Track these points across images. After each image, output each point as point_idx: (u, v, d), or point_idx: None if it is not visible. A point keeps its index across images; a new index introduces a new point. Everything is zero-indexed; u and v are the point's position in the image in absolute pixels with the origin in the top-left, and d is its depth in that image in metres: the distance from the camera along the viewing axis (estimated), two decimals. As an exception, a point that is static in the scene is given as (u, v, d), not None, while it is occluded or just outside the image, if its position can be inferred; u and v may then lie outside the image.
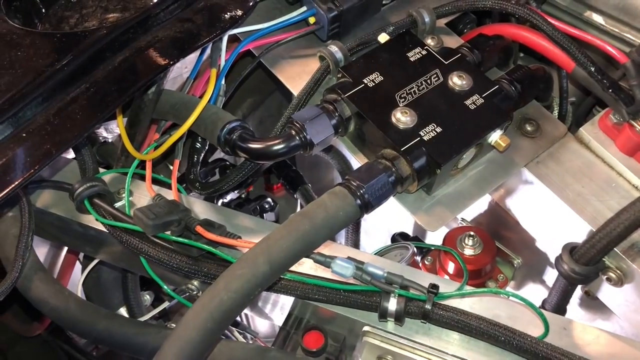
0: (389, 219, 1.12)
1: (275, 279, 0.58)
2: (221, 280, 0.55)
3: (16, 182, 0.55)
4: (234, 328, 1.07)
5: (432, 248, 0.86)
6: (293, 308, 0.71)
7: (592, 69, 0.70)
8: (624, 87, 0.71)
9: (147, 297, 1.06)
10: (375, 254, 0.83)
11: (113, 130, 1.00)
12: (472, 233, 0.82)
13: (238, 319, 1.22)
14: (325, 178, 1.22)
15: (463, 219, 0.91)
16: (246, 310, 1.10)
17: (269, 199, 1.07)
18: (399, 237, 0.98)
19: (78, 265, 1.03)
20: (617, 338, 0.63)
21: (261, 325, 1.27)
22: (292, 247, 0.57)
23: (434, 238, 0.97)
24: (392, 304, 0.61)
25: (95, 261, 0.90)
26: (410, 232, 1.03)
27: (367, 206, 0.61)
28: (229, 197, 1.02)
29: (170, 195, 0.73)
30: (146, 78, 0.61)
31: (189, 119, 0.68)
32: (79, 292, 0.91)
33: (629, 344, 0.62)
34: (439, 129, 0.65)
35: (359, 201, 0.60)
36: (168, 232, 0.66)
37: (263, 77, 0.95)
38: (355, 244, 1.06)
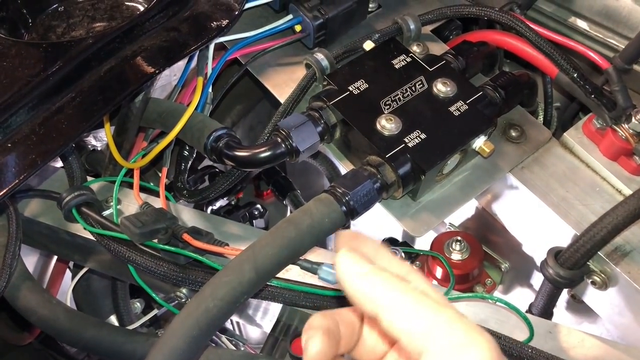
0: (377, 224, 1.13)
1: (262, 286, 0.58)
2: (207, 287, 0.55)
3: (2, 192, 0.55)
4: (222, 335, 1.07)
5: (420, 253, 0.87)
6: (281, 315, 0.72)
7: (575, 75, 0.70)
8: (606, 92, 0.72)
9: (138, 305, 1.06)
10: (363, 260, 0.84)
11: (101, 138, 1.01)
12: (459, 238, 0.82)
13: (229, 326, 1.22)
14: (315, 184, 1.23)
15: (451, 224, 0.92)
16: (236, 318, 1.10)
17: (259, 206, 1.07)
18: (388, 243, 0.99)
19: (68, 274, 1.03)
20: (601, 341, 0.64)
21: (252, 332, 1.27)
22: (278, 254, 0.57)
23: (424, 243, 0.97)
24: (379, 309, 0.61)
25: (85, 269, 0.90)
26: (399, 238, 1.03)
27: (353, 213, 0.61)
28: (218, 204, 1.03)
29: (158, 203, 0.74)
30: (132, 87, 0.61)
31: (175, 127, 0.68)
32: (69, 301, 0.91)
33: (613, 346, 0.63)
34: (423, 136, 0.65)
35: (344, 208, 0.60)
36: (155, 240, 0.67)
37: (251, 85, 0.95)
38: (345, 250, 1.06)
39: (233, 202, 1.05)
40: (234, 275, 0.56)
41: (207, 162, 1.07)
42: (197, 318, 0.54)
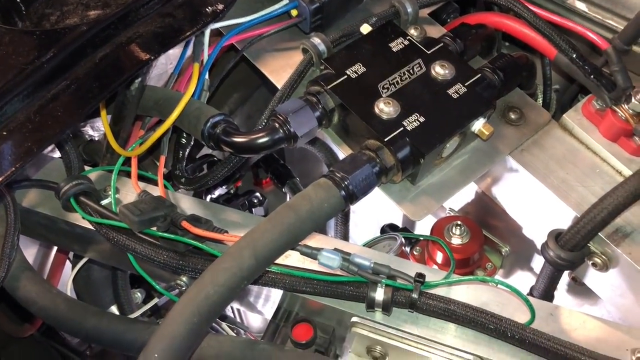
0: (378, 210, 1.13)
1: (261, 272, 0.58)
2: (207, 274, 0.55)
3: (-1, 181, 0.55)
4: (223, 322, 1.07)
5: (421, 238, 0.87)
6: (282, 301, 0.71)
7: (574, 56, 0.70)
8: (605, 73, 0.71)
9: (139, 295, 1.06)
10: (363, 245, 0.84)
11: (99, 128, 1.00)
12: (459, 222, 0.82)
13: (230, 313, 1.22)
14: (314, 171, 1.23)
15: (451, 209, 0.92)
16: (237, 305, 1.10)
17: (258, 194, 1.07)
18: (388, 229, 0.98)
19: (68, 265, 1.03)
20: (603, 322, 0.64)
21: (253, 320, 1.27)
22: (277, 240, 0.57)
23: (424, 229, 0.97)
24: (379, 294, 0.61)
25: (84, 259, 0.90)
26: (399, 224, 1.03)
27: (352, 197, 0.61)
28: (217, 193, 1.02)
29: (157, 191, 0.73)
30: (127, 73, 0.61)
31: (172, 114, 0.68)
32: (69, 291, 0.91)
33: (615, 327, 0.63)
34: (422, 119, 0.65)
35: (343, 192, 0.60)
36: (154, 228, 0.66)
37: (248, 72, 0.94)
38: (345, 236, 1.06)
39: (232, 191, 1.05)
40: (234, 262, 0.55)
41: (205, 150, 1.07)
42: (198, 304, 0.53)
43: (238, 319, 1.24)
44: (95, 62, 0.60)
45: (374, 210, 1.14)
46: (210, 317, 0.54)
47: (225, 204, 1.07)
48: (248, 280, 0.56)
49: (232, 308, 1.23)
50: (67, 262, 1.03)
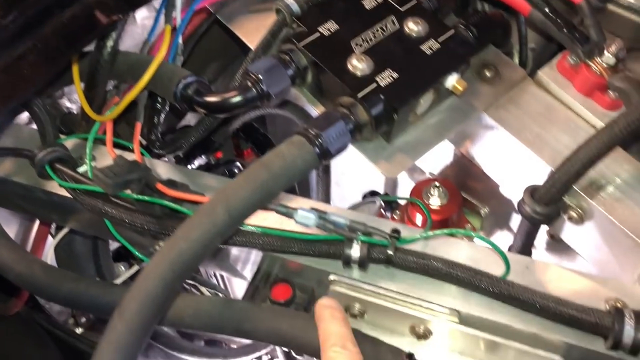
0: (362, 182, 1.13)
1: (235, 228, 0.58)
2: (180, 231, 0.55)
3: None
4: (203, 287, 1.07)
5: (399, 201, 0.87)
6: (261, 263, 0.71)
7: (547, 10, 0.70)
8: (579, 28, 0.71)
9: (122, 269, 1.06)
10: (343, 210, 0.84)
11: (76, 100, 0.99)
12: (437, 184, 0.82)
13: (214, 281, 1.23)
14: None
15: (431, 173, 0.92)
16: (222, 271, 1.10)
17: (238, 163, 1.06)
18: (369, 195, 0.99)
19: (51, 241, 1.03)
20: (578, 274, 0.64)
21: (238, 289, 1.27)
22: (250, 196, 0.57)
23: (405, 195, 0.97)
24: (355, 251, 0.61)
25: (65, 230, 0.90)
26: (381, 191, 1.03)
27: (326, 154, 0.61)
28: (196, 163, 1.02)
29: (133, 158, 0.73)
30: (95, 32, 0.60)
31: (144, 77, 0.67)
32: (51, 263, 0.91)
33: (590, 279, 0.63)
34: (395, 75, 0.65)
35: (317, 149, 0.60)
36: (129, 191, 0.66)
37: (227, 41, 0.94)
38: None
39: (213, 161, 1.05)
40: (207, 218, 0.55)
41: (185, 122, 1.06)
42: (171, 261, 0.53)
43: (222, 286, 1.24)
44: (62, 22, 0.60)
45: (358, 182, 1.14)
46: (184, 273, 0.54)
47: (205, 173, 1.07)
48: (222, 236, 0.56)
49: (215, 274, 1.23)
50: (50, 237, 1.03)
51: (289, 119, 0.91)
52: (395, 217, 0.89)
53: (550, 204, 0.66)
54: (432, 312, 0.62)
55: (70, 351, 1.17)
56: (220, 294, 1.15)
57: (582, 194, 0.66)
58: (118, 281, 0.86)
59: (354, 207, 0.86)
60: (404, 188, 1.01)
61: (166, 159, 0.98)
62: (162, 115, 0.78)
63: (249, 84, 0.64)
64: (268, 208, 0.62)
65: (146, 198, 0.65)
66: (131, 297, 0.53)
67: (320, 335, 0.54)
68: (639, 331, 0.55)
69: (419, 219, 0.84)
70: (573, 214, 0.68)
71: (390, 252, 0.61)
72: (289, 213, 0.63)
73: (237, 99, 0.64)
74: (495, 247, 0.62)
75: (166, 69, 0.68)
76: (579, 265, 0.80)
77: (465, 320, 0.61)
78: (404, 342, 0.65)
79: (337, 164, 1.17)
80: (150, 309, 0.52)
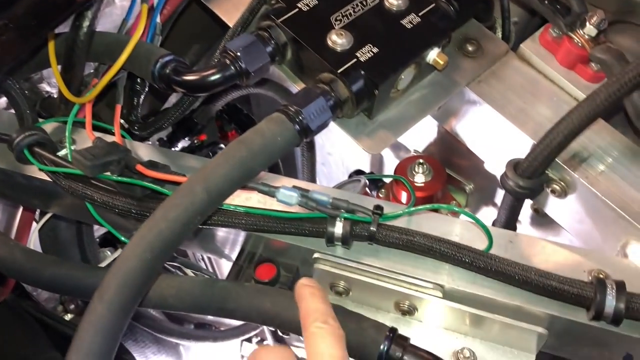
0: (348, 161, 1.13)
1: (215, 207, 0.57)
2: (159, 210, 0.54)
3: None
4: (188, 269, 1.07)
5: (384, 179, 0.86)
6: (245, 243, 0.71)
7: (528, -19, 0.69)
8: (561, 0, 0.70)
9: (108, 254, 1.05)
10: (328, 189, 0.83)
11: (56, 84, 0.98)
12: (421, 161, 0.82)
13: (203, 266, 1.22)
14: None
15: (415, 150, 0.91)
16: (210, 254, 1.09)
17: (222, 145, 1.06)
18: (355, 174, 0.98)
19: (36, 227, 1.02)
20: (562, 247, 0.64)
21: (227, 271, 1.27)
22: (229, 174, 0.56)
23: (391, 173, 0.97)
24: (338, 228, 0.61)
25: (48, 215, 0.89)
26: (367, 170, 1.03)
27: (306, 131, 0.60)
28: (180, 145, 1.01)
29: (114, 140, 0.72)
30: (69, 10, 0.59)
31: (121, 57, 0.66)
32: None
33: (573, 251, 0.63)
34: (375, 50, 0.64)
35: (297, 126, 0.59)
36: (108, 173, 0.65)
37: (209, 22, 0.93)
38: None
39: (197, 143, 1.04)
40: (186, 197, 0.55)
41: (168, 105, 1.05)
42: (150, 241, 0.53)
43: (210, 269, 1.24)
44: (34, 1, 0.58)
45: (344, 162, 1.14)
46: (164, 253, 0.53)
47: (189, 155, 1.06)
48: (202, 215, 0.55)
49: (204, 257, 1.23)
50: (35, 223, 1.02)
51: (274, 100, 0.90)
52: (380, 195, 0.89)
53: (533, 177, 0.65)
54: (416, 287, 0.62)
55: (59, 337, 1.17)
56: (203, 274, 1.15)
57: (565, 167, 0.66)
58: (103, 265, 0.86)
59: (339, 186, 0.86)
60: (391, 167, 1.01)
61: (150, 142, 0.98)
62: (142, 97, 0.77)
63: (227, 61, 0.63)
64: (249, 187, 0.62)
65: (126, 179, 0.64)
66: (110, 278, 0.52)
67: (302, 313, 0.54)
68: (621, 301, 0.55)
69: (404, 196, 0.83)
70: (556, 187, 0.68)
71: (373, 228, 0.61)
72: (270, 192, 0.62)
73: (215, 77, 0.63)
74: (478, 221, 0.62)
75: (143, 49, 0.67)
76: (564, 239, 0.81)
77: (449, 295, 0.61)
78: (389, 319, 0.65)
79: (324, 144, 1.17)
80: (130, 289, 0.52)
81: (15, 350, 1.02)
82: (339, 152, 1.09)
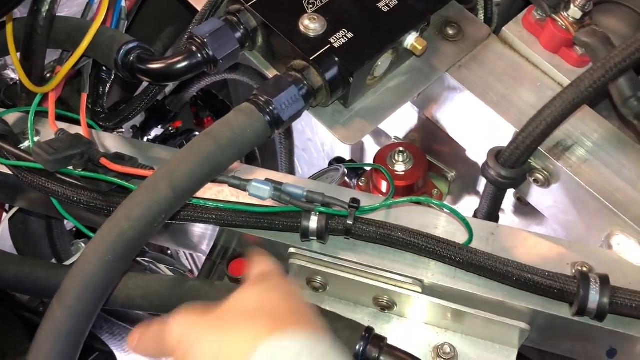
0: (327, 144, 1.10)
1: (181, 204, 0.54)
2: (120, 209, 0.51)
3: None
4: (161, 265, 1.05)
5: (364, 167, 0.84)
6: (218, 238, 0.68)
7: (510, -39, 0.66)
8: (545, -20, 0.67)
9: (82, 245, 1.02)
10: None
11: (22, 71, 0.94)
12: (401, 148, 0.79)
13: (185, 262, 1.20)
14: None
15: (396, 137, 0.89)
16: (189, 250, 1.07)
17: (196, 133, 1.02)
18: (335, 162, 0.96)
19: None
20: (544, 239, 0.62)
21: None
22: (196, 170, 0.53)
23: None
24: (313, 222, 0.59)
25: (15, 209, 0.86)
26: (348, 156, 1.01)
27: (277, 122, 0.57)
28: (153, 134, 0.98)
29: (80, 131, 0.69)
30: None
31: (82, 43, 0.62)
32: (8, 247, 0.88)
33: (556, 243, 0.62)
34: (350, 35, 0.61)
35: (267, 117, 0.56)
36: (71, 167, 0.62)
37: (180, 5, 0.89)
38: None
39: (171, 130, 1.00)
40: (149, 195, 0.52)
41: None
42: (112, 241, 0.50)
43: (190, 265, 1.21)
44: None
45: (325, 148, 1.11)
46: (127, 253, 0.51)
47: (162, 144, 1.03)
48: (166, 213, 0.52)
49: (185, 253, 1.20)
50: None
51: (253, 86, 0.87)
52: (361, 184, 0.86)
53: (515, 166, 0.63)
54: (394, 282, 0.60)
55: (36, 329, 1.14)
56: (184, 272, 1.12)
57: (548, 155, 0.64)
58: (70, 261, 0.83)
59: (317, 176, 0.83)
60: (372, 153, 0.98)
61: (123, 129, 0.94)
62: (108, 86, 0.73)
63: (194, 48, 0.60)
64: (219, 181, 0.59)
65: (91, 174, 0.61)
66: (70, 281, 0.49)
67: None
68: (604, 296, 0.53)
69: (384, 185, 0.81)
70: (539, 176, 0.65)
71: (349, 222, 0.58)
72: (242, 185, 0.60)
73: (181, 65, 0.60)
74: (458, 214, 0.60)
75: (106, 35, 0.64)
76: (548, 228, 0.79)
77: (429, 290, 0.59)
78: (368, 314, 0.63)
79: (304, 130, 1.14)
80: (92, 293, 0.49)
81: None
82: (320, 138, 1.06)
